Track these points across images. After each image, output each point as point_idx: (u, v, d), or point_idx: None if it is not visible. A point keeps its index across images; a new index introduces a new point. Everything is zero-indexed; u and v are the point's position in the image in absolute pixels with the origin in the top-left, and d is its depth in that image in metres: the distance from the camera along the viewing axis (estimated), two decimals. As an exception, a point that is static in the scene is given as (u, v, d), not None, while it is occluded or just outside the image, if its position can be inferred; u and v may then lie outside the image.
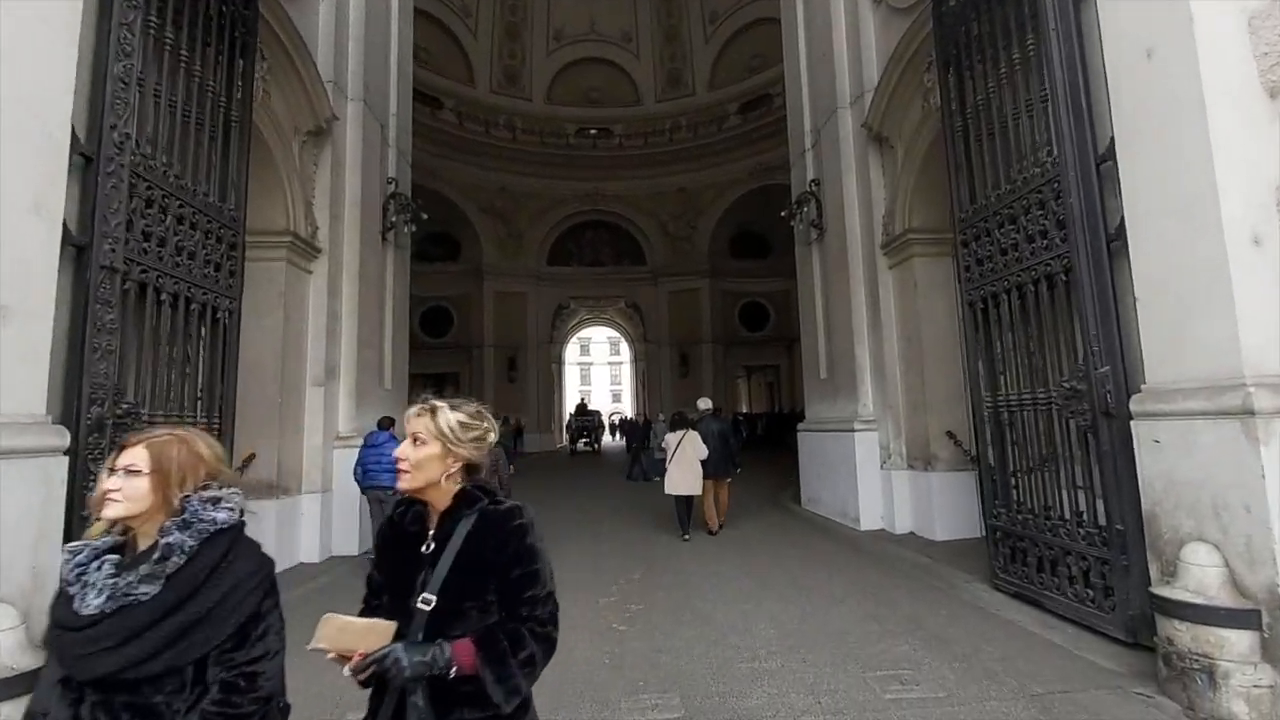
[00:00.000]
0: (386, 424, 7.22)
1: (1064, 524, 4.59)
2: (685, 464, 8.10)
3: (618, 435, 32.44)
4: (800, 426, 10.33)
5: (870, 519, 8.13)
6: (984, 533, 5.58)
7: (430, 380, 32.21)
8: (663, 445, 8.74)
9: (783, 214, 10.00)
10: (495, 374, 26.86)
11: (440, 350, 27.52)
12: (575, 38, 27.79)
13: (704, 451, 8.12)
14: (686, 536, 8.16)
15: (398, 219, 9.39)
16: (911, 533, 7.76)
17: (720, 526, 8.55)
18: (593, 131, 28.28)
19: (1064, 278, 4.44)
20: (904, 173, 7.74)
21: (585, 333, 41.26)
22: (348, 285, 8.24)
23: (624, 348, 37.64)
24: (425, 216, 9.87)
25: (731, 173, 27.12)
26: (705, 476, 8.23)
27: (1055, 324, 4.63)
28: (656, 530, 9.03)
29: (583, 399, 26.45)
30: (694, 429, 8.37)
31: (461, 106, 26.14)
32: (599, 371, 51.58)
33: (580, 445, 26.13)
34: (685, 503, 8.27)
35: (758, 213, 28.12)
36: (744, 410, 32.85)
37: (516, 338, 27.44)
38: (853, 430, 8.34)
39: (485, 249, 27.08)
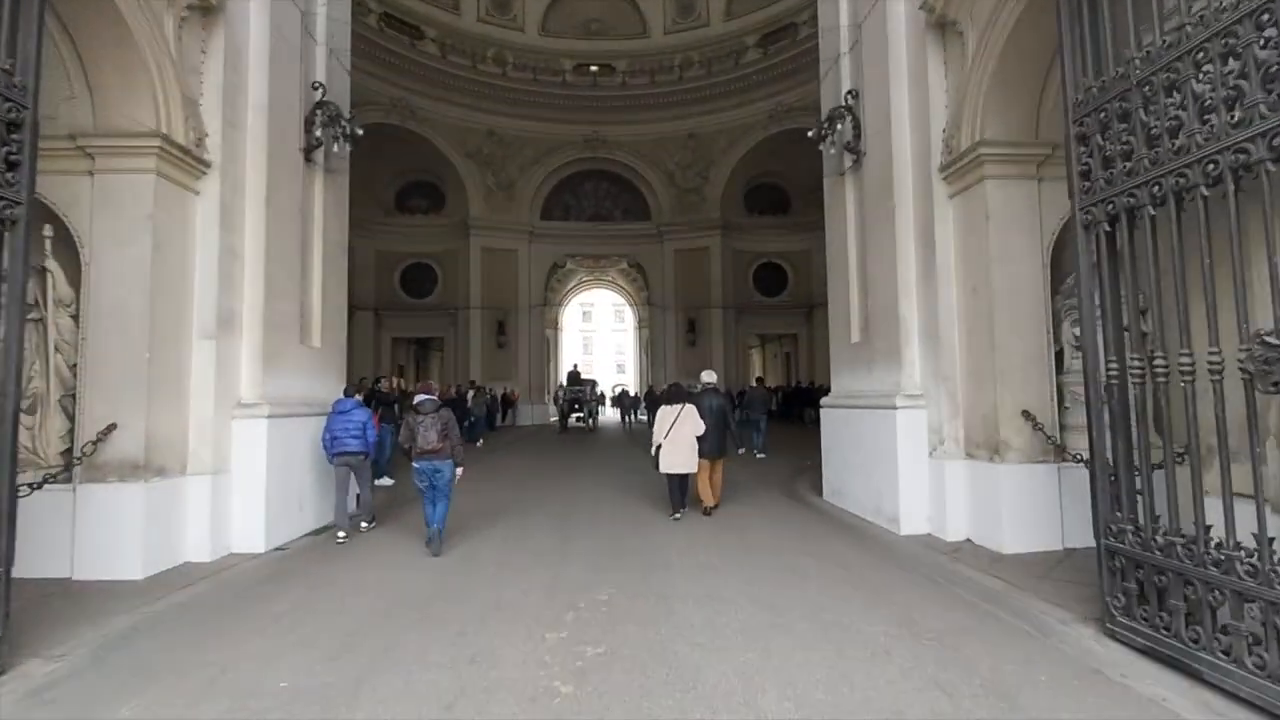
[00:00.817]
0: (352, 390, 7.50)
1: (1242, 555, 3.10)
2: (681, 441, 7.71)
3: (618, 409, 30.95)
4: (824, 402, 8.85)
5: (913, 521, 6.68)
6: (1096, 554, 4.09)
7: (413, 344, 30.96)
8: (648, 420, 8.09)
9: (810, 133, 8.33)
10: (483, 338, 25.47)
11: (423, 312, 26.16)
12: (574, -40, 25.73)
13: (701, 427, 7.75)
14: (678, 515, 7.91)
15: (325, 134, 7.83)
16: (968, 540, 6.30)
17: (715, 506, 8.18)
18: (593, 68, 26.34)
19: (1273, 166, 2.88)
20: (975, 67, 6.09)
21: (587, 297, 39.74)
22: (251, 214, 6.74)
23: (628, 314, 36.10)
24: (360, 132, 8.27)
25: (748, 116, 25.22)
26: (701, 455, 7.89)
27: (1244, 247, 3.08)
28: (640, 525, 7.65)
29: (575, 366, 24.10)
30: (691, 403, 7.95)
31: (445, 36, 24.28)
32: (602, 339, 50.11)
33: (573, 420, 22.67)
34: (680, 482, 7.97)
35: (777, 162, 26.31)
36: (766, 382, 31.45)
37: (506, 299, 25.96)
38: (893, 408, 6.84)
39: (472, 200, 25.46)
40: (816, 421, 22.05)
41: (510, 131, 25.71)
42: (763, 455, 14.02)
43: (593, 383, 24.40)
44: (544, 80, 25.71)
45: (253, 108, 6.81)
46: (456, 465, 6.45)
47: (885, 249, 7.27)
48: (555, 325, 34.12)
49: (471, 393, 19.53)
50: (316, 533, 7.25)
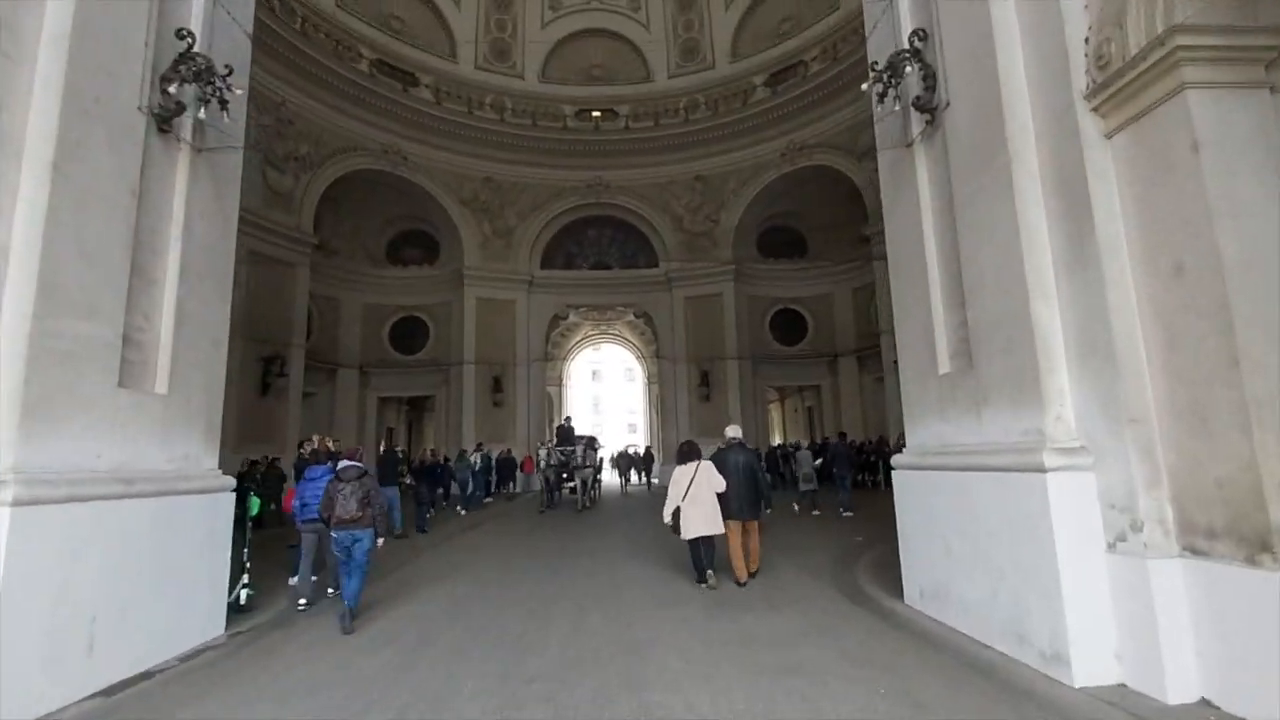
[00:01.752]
0: (324, 456, 7.49)
1: None
2: (701, 501, 6.90)
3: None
4: (898, 461, 6.13)
5: (1093, 660, 3.88)
6: None
7: (404, 405, 28.49)
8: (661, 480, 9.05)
9: (864, 86, 5.90)
10: (477, 396, 22.94)
11: (414, 369, 23.75)
12: (574, 7, 24.38)
13: (720, 483, 6.99)
14: (707, 584, 7.04)
15: (190, 95, 5.48)
16: (1204, 702, 3.51)
17: (751, 576, 7.26)
18: (595, 113, 24.69)
19: None
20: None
21: (595, 356, 37.39)
22: (29, 187, 4.33)
23: (638, 373, 33.64)
24: (240, 91, 5.93)
25: (759, 155, 23.25)
26: (729, 517, 7.06)
27: None
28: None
29: (567, 419, 17.50)
30: (709, 459, 7.21)
31: (441, 84, 22.77)
32: (611, 400, 47.53)
33: (562, 493, 16.23)
34: (704, 545, 7.09)
35: (791, 202, 24.21)
36: (789, 441, 28.59)
37: (503, 353, 23.56)
38: (1039, 469, 4.14)
39: (467, 249, 23.40)
40: (864, 484, 19.45)
41: (508, 178, 23.87)
42: (850, 514, 12.80)
43: (589, 440, 16.43)
44: (544, 125, 24.04)
45: (47, 36, 4.48)
46: (377, 536, 6.04)
47: (996, 230, 4.71)
48: (559, 382, 31.63)
49: (473, 455, 17.11)
50: (132, 682, 4.53)
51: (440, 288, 23.84)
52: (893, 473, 6.14)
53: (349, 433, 20.95)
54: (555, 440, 16.23)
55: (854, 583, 7.10)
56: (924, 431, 5.76)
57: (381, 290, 23.61)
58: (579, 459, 14.97)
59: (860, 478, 20.23)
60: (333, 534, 5.88)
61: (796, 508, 13.54)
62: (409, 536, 11.65)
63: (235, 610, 6.20)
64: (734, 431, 7.85)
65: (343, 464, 6.13)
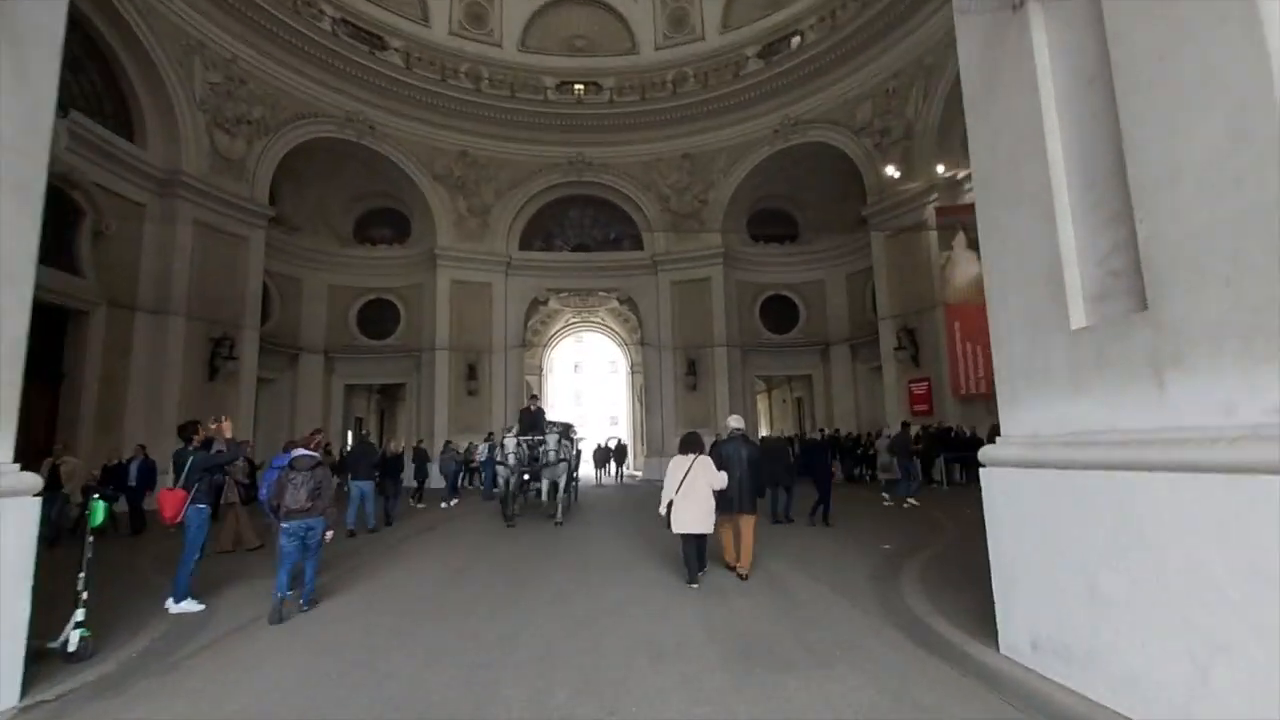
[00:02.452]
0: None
1: None
2: (696, 496, 6.19)
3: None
4: (992, 455, 4.28)
5: None
6: None
7: (375, 393, 26.28)
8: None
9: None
10: (450, 384, 20.90)
11: (384, 355, 21.62)
12: (556, -28, 22.36)
13: (720, 480, 6.27)
14: (695, 584, 6.35)
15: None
16: None
17: (746, 575, 6.61)
18: (578, 86, 22.71)
19: None
20: None
21: (579, 346, 35.35)
22: None
23: (622, 365, 31.71)
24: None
25: (751, 132, 21.43)
26: (724, 510, 6.50)
27: None
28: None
29: (532, 402, 12.56)
30: (708, 453, 6.59)
31: (411, 48, 20.62)
32: (594, 392, 45.50)
33: (524, 499, 12.31)
34: (696, 544, 6.40)
35: (783, 184, 22.42)
36: (870, 431, 26.89)
37: (479, 339, 21.53)
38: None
39: (440, 228, 21.31)
40: (860, 478, 17.70)
41: (485, 152, 21.80)
42: (915, 504, 12.15)
43: (564, 428, 12.20)
44: (523, 98, 21.98)
45: None
46: (326, 528, 5.72)
47: (1215, 88, 2.87)
48: (539, 372, 29.62)
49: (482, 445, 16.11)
50: None
51: (412, 269, 21.72)
52: (982, 471, 4.31)
53: (313, 422, 18.79)
54: (518, 428, 11.40)
55: (908, 611, 5.30)
56: (1040, 412, 3.92)
57: (348, 271, 21.44)
58: (550, 453, 10.78)
59: (857, 471, 18.58)
60: (284, 525, 5.48)
61: (888, 499, 12.63)
62: (378, 531, 10.52)
63: (67, 659, 4.29)
64: (735, 422, 7.24)
65: (297, 452, 5.81)
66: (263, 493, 6.64)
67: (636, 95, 22.26)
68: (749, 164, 21.68)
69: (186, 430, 5.95)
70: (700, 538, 6.38)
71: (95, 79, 13.74)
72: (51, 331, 12.45)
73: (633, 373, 29.30)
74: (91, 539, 4.68)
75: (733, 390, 21.70)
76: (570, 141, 22.25)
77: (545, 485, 11.48)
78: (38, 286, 11.77)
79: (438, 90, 20.74)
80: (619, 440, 24.63)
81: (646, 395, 23.99)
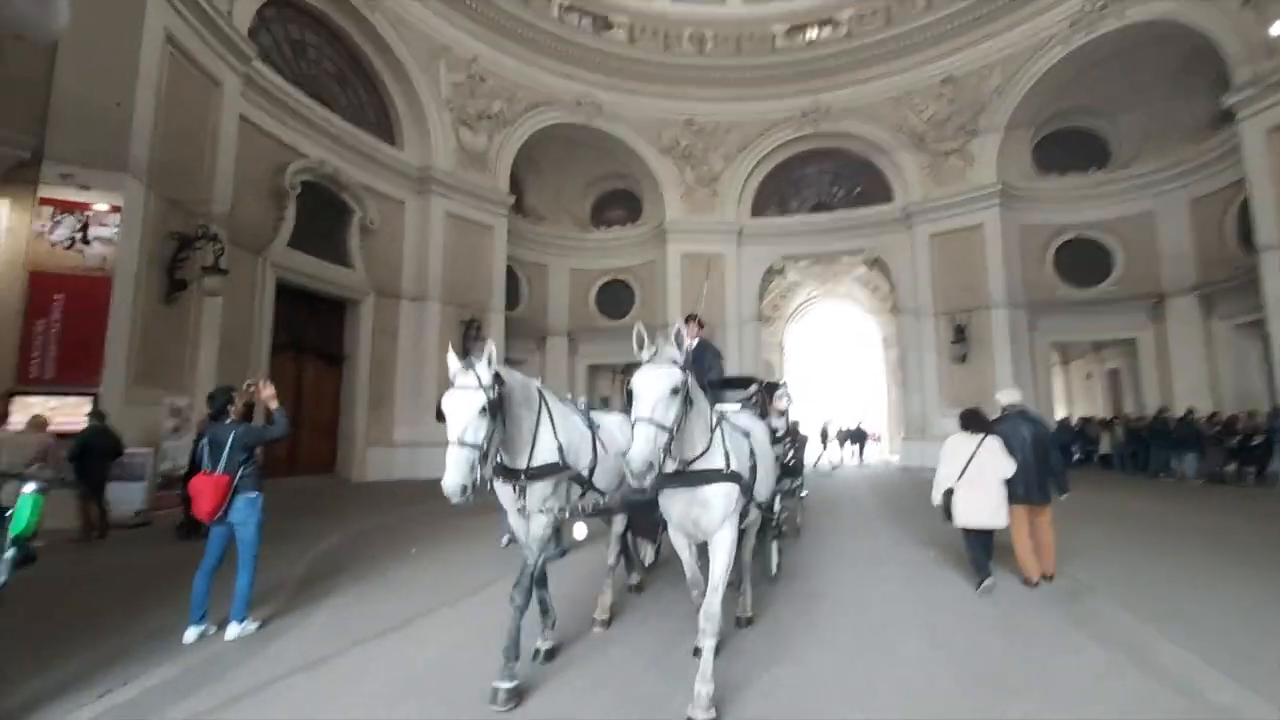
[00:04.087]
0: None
1: None
2: (982, 484, 5.14)
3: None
4: None
5: None
6: None
7: (618, 372, 26.30)
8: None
9: None
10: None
11: (618, 335, 21.17)
12: (779, -92, 19.71)
13: (1009, 467, 5.15)
14: (987, 582, 5.07)
15: None
16: None
17: (1046, 579, 5.28)
18: (809, 32, 19.83)
19: None
20: None
21: (823, 321, 32.01)
22: None
23: (870, 334, 27.84)
24: None
25: (1035, 32, 16.52)
26: (1014, 500, 5.21)
27: None
28: None
29: (690, 324, 4.39)
30: (994, 433, 5.34)
31: (636, 22, 19.77)
32: (841, 370, 41.39)
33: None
34: (984, 541, 5.22)
35: (1084, 94, 16.97)
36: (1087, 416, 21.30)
37: (711, 314, 19.96)
38: None
39: (669, 202, 20.20)
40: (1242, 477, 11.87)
41: (711, 117, 20.11)
42: None
43: (761, 386, 6.13)
44: (750, 50, 19.82)
45: None
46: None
47: None
48: (779, 349, 27.28)
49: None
50: None
51: (644, 247, 21.01)
52: None
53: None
54: (630, 392, 3.51)
55: None
56: None
57: (586, 254, 21.50)
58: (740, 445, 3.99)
59: (1230, 469, 13.01)
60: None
61: None
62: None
63: None
64: (1010, 396, 5.91)
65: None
66: None
67: (881, 19, 18.64)
68: (1033, 75, 16.74)
69: (219, 398, 4.36)
70: (988, 534, 5.25)
71: (360, 91, 15.04)
72: (334, 320, 13.82)
73: (885, 346, 25.43)
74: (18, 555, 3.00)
75: (1016, 361, 17.09)
76: (804, 91, 19.47)
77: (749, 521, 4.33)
78: (321, 279, 12.91)
79: (661, 60, 19.58)
80: (858, 425, 21.37)
81: (903, 371, 20.26)
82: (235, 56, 11.00)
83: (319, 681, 3.44)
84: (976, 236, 17.73)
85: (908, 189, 18.90)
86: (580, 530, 4.03)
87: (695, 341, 4.67)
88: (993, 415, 5.73)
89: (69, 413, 7.98)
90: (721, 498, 3.16)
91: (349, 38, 14.21)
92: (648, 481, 2.68)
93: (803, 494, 7.98)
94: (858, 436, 20.55)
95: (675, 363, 2.86)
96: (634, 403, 2.77)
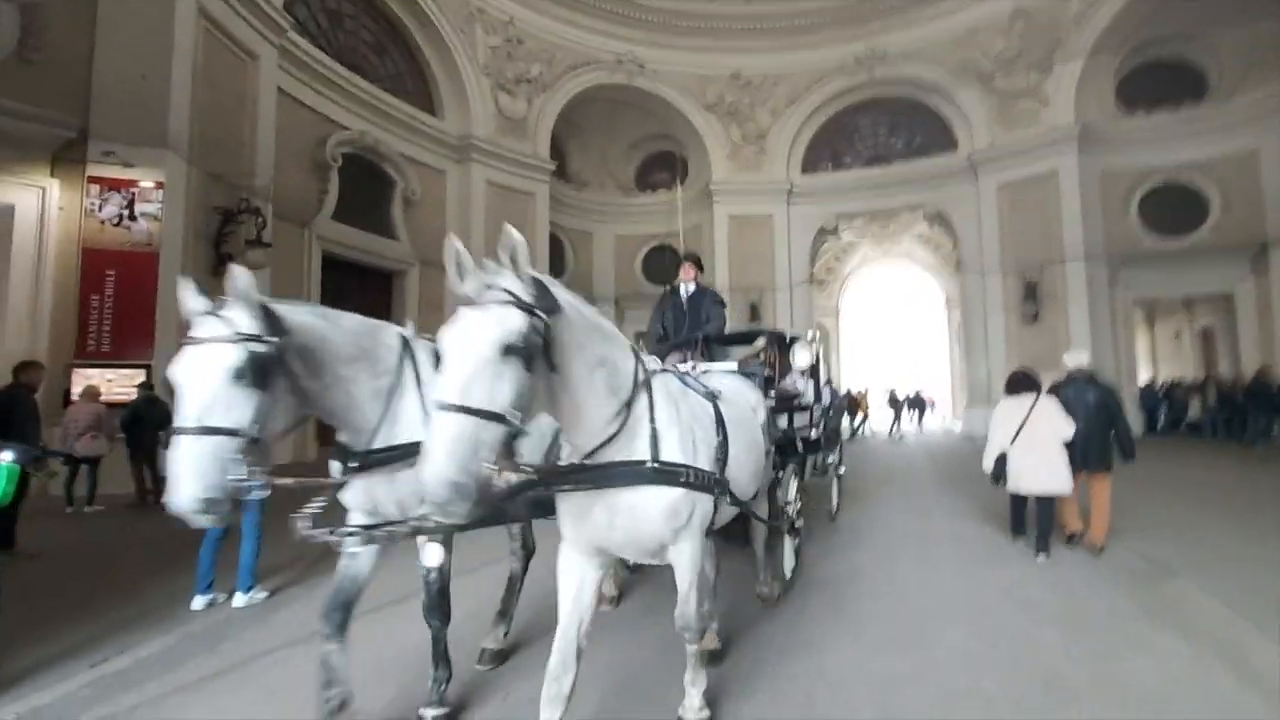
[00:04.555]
0: None
1: None
2: (1039, 446, 4.84)
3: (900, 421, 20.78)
4: None
5: None
6: None
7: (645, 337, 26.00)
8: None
9: None
10: (732, 326, 19.02)
11: (651, 304, 20.75)
12: None
13: (1067, 428, 4.80)
14: (1041, 556, 4.79)
15: None
16: None
17: (1102, 548, 4.93)
18: (864, -33, 18.35)
19: None
20: None
21: (880, 283, 30.46)
22: None
23: (931, 296, 26.31)
24: None
25: (1123, -48, 14.72)
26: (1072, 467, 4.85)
27: None
28: None
29: (690, 267, 4.41)
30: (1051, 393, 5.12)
31: (678, -28, 18.77)
32: (899, 335, 39.59)
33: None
34: (1043, 508, 4.88)
35: (1175, 21, 15.11)
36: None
37: (760, 277, 19.26)
38: None
39: (714, 162, 19.39)
40: None
41: (759, 70, 19.04)
42: None
43: (776, 341, 5.18)
44: (800, -5, 18.56)
45: None
46: None
47: None
48: (834, 313, 26.19)
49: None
50: None
51: (689, 210, 20.21)
52: None
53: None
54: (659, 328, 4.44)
55: None
56: None
57: (631, 220, 21.00)
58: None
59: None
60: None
61: None
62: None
63: None
64: (1077, 358, 5.51)
65: None
66: None
67: (942, -48, 17.06)
68: (1115, 3, 14.98)
69: None
70: (1047, 501, 4.91)
71: (398, 60, 14.86)
72: (381, 291, 13.92)
73: (948, 308, 24.01)
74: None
75: (1094, 320, 15.71)
76: (857, 35, 18.14)
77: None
78: (368, 251, 12.92)
79: (705, 11, 18.57)
80: (917, 392, 20.31)
81: (966, 333, 19.03)
82: (270, 29, 10.95)
83: (312, 653, 3.29)
84: (1051, 185, 16.24)
85: (973, 136, 17.46)
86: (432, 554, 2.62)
87: (692, 287, 4.36)
88: (1059, 376, 5.55)
89: (124, 384, 8.25)
90: (659, 510, 2.06)
91: (385, 5, 13.98)
92: (460, 514, 1.52)
93: (839, 470, 6.93)
94: (916, 403, 19.52)
95: (509, 299, 1.66)
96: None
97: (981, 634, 3.45)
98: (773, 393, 4.15)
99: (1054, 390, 5.25)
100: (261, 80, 10.88)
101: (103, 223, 8.52)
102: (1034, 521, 4.95)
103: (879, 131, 19.48)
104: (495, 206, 16.14)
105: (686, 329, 4.21)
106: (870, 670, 3.03)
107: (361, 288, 13.55)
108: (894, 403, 20.11)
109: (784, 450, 4.10)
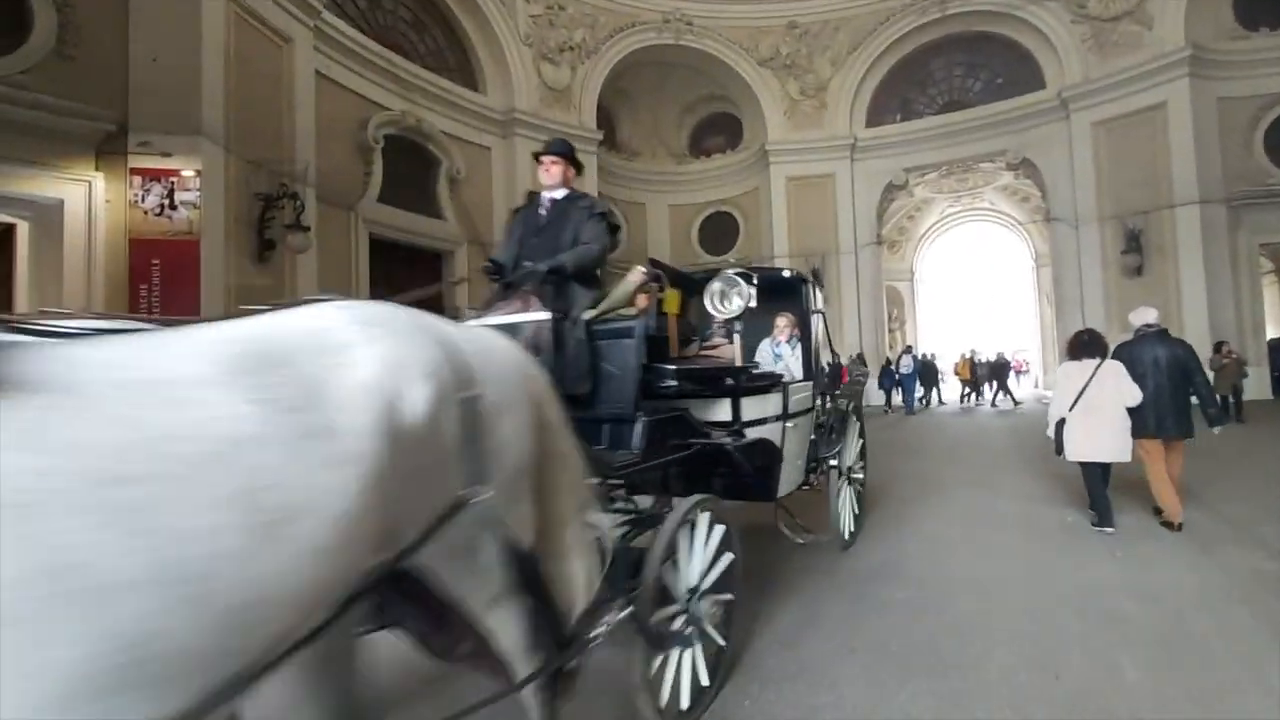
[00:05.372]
0: None
1: None
2: (1102, 413, 4.51)
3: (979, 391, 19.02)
4: None
5: None
6: None
7: (725, 313, 25.08)
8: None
9: None
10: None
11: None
12: None
13: (1133, 394, 4.49)
14: (1109, 529, 4.48)
15: None
16: None
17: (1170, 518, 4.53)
18: (935, -111, 16.50)
19: None
20: None
21: (962, 243, 28.14)
22: None
23: (1022, 254, 23.95)
24: None
25: None
26: (1143, 434, 4.57)
27: None
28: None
29: (566, 146, 3.15)
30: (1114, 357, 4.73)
31: (725, -79, 17.57)
32: (987, 299, 36.70)
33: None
34: (1102, 475, 4.64)
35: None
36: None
37: (823, 241, 18.03)
38: None
39: (770, 121, 18.22)
40: None
41: (817, 16, 17.62)
42: None
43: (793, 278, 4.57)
44: (860, -70, 16.96)
45: None
46: None
47: None
48: (909, 276, 24.50)
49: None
50: None
51: (746, 174, 19.28)
52: None
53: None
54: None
55: None
56: None
57: (685, 188, 20.15)
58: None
59: None
60: None
61: None
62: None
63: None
64: (1145, 316, 5.00)
65: None
66: None
67: None
68: (1244, -105, 12.71)
69: None
70: (1105, 468, 4.70)
71: (438, 36, 14.59)
72: (430, 271, 13.90)
73: (1037, 265, 21.86)
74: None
75: (1211, 270, 13.71)
76: (926, -32, 16.42)
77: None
78: (413, 232, 12.85)
79: (756, -42, 17.32)
80: (999, 355, 18.52)
81: (1057, 291, 17.16)
82: (304, 11, 10.86)
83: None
84: (1157, 118, 14.19)
85: (1064, 70, 15.48)
86: None
87: (559, 193, 2.95)
88: (1129, 334, 5.06)
89: (173, 370, 8.43)
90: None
91: (417, -24, 13.72)
92: None
93: (857, 474, 4.77)
94: (998, 370, 17.83)
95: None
96: None
97: (1035, 659, 2.73)
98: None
99: (1122, 350, 4.86)
100: (298, 64, 10.84)
101: (146, 213, 8.69)
102: (1100, 486, 4.62)
103: (954, 74, 17.68)
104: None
105: (540, 257, 2.73)
106: (889, 709, 2.40)
107: (410, 269, 13.54)
108: (972, 368, 18.45)
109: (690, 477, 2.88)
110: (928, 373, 17.63)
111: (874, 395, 15.68)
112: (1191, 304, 13.68)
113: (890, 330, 21.74)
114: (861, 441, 5.00)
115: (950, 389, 20.33)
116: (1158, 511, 4.71)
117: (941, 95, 17.91)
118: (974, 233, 24.39)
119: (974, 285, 30.61)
